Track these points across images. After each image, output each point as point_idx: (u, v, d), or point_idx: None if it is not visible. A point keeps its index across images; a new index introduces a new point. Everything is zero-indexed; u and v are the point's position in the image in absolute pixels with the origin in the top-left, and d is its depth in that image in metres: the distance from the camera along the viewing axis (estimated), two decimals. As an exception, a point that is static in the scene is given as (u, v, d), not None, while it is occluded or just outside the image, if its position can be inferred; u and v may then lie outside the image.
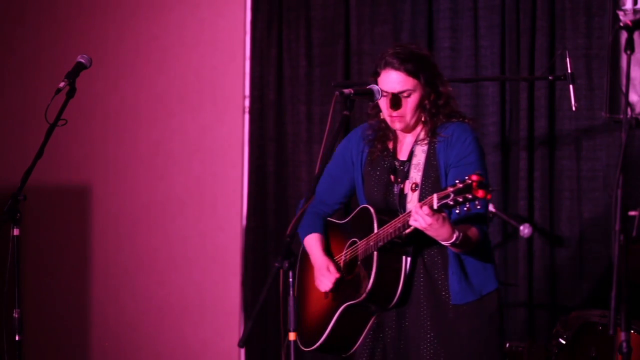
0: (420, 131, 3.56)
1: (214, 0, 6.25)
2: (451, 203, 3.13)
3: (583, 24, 5.18)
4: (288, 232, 3.14)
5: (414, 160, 3.53)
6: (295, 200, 5.87)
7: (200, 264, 6.22)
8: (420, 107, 3.51)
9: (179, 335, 6.26)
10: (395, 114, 3.49)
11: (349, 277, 3.59)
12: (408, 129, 3.57)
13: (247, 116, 6.14)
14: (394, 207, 3.53)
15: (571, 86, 4.65)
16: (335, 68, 5.83)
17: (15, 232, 3.55)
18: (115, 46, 6.39)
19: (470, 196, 3.08)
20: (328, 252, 3.74)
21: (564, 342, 4.32)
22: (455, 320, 3.47)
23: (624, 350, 2.86)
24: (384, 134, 3.62)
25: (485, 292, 3.51)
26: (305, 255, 3.88)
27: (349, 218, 3.68)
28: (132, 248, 6.38)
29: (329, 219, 3.83)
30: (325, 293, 3.68)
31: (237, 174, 6.15)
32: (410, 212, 3.28)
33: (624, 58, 4.89)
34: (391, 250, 3.45)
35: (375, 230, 3.45)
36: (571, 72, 4.65)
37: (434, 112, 3.52)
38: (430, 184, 3.47)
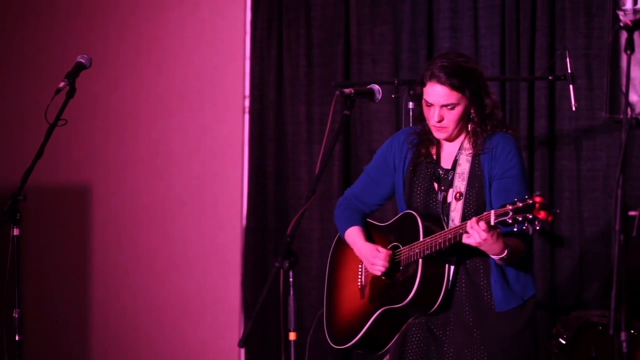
0: (464, 140, 3.58)
1: (214, 1, 6.24)
2: (509, 221, 3.15)
3: (583, 24, 5.18)
4: (288, 232, 3.14)
5: (459, 170, 3.55)
6: (295, 201, 5.87)
7: (200, 264, 6.22)
8: (463, 118, 3.53)
9: (179, 335, 6.26)
10: (438, 125, 3.51)
11: (389, 280, 3.60)
12: (451, 139, 3.59)
13: (247, 116, 6.13)
14: (436, 214, 3.55)
15: (571, 86, 4.65)
16: (335, 68, 5.83)
17: (15, 232, 3.55)
18: (115, 46, 6.39)
19: (530, 216, 3.09)
20: None
21: (564, 342, 4.32)
22: (498, 325, 3.51)
23: (624, 350, 2.86)
24: (429, 140, 3.63)
25: (526, 297, 3.56)
26: (339, 250, 3.88)
27: (390, 222, 3.69)
28: (132, 248, 6.38)
29: (368, 219, 3.82)
30: (361, 293, 3.69)
31: (237, 174, 6.15)
32: (463, 225, 3.30)
33: (624, 58, 4.89)
34: (435, 258, 3.46)
35: (421, 239, 3.46)
36: (571, 72, 4.66)
37: (479, 122, 3.54)
38: (474, 194, 3.50)
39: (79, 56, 3.82)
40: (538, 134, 5.27)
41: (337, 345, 3.77)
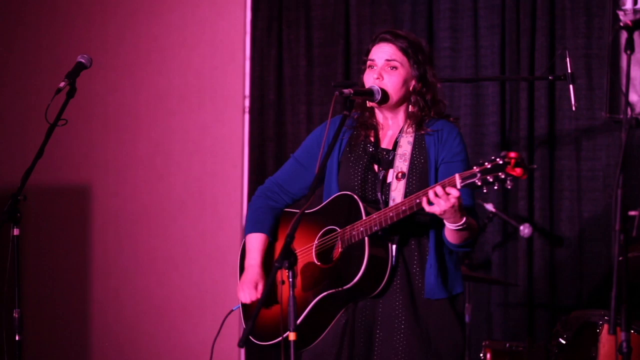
0: (404, 123, 3.55)
1: (214, 1, 6.25)
2: (479, 183, 3.08)
3: (583, 24, 5.19)
4: (288, 232, 3.14)
5: (399, 151, 3.50)
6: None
7: (200, 264, 6.22)
8: (405, 85, 3.50)
9: (179, 335, 6.26)
10: (378, 82, 3.47)
11: (326, 266, 3.50)
12: (392, 107, 3.53)
13: (247, 116, 6.14)
14: (373, 195, 3.50)
15: (571, 86, 4.65)
16: (335, 68, 5.84)
17: (15, 232, 3.55)
18: (115, 46, 6.39)
19: (503, 175, 3.04)
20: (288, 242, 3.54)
21: (564, 342, 4.32)
22: (425, 314, 3.45)
23: (624, 350, 2.86)
24: (368, 123, 3.59)
25: (454, 292, 3.50)
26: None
27: (321, 206, 3.59)
28: (132, 248, 6.38)
29: (286, 209, 3.71)
30: (282, 282, 3.47)
31: (237, 174, 6.15)
32: (420, 194, 3.23)
33: (624, 58, 4.89)
34: (380, 237, 3.40)
35: (364, 217, 3.38)
36: (571, 72, 4.66)
37: (421, 106, 3.51)
38: (417, 174, 3.46)
39: (79, 56, 3.81)
40: (538, 134, 5.28)
41: (261, 342, 3.63)
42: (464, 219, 3.26)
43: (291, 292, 3.07)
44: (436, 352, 3.44)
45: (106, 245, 6.44)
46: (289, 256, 3.06)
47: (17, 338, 3.56)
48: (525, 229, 5.09)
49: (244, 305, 3.75)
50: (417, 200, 3.25)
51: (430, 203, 3.20)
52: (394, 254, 3.44)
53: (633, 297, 2.93)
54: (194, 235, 6.23)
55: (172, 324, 6.28)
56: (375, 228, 3.35)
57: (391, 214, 3.32)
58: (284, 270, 3.10)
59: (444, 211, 3.19)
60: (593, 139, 5.19)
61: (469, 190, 3.27)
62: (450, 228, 3.31)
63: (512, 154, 3.04)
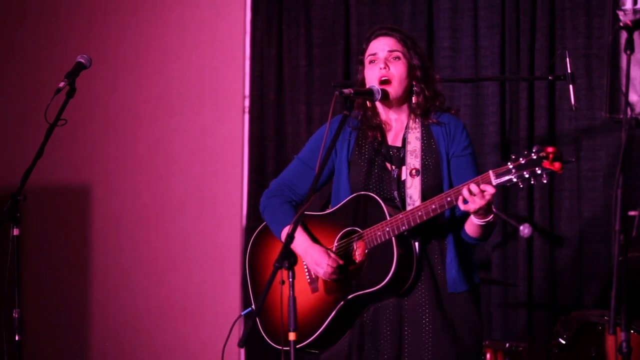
0: (408, 119, 3.54)
1: (214, 1, 6.25)
2: (514, 180, 3.08)
3: (583, 24, 5.19)
4: (288, 232, 3.14)
5: (409, 147, 3.49)
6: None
7: (200, 264, 6.22)
8: (409, 75, 3.49)
9: (179, 335, 6.26)
10: (384, 72, 3.46)
11: (351, 267, 3.49)
12: (396, 101, 3.52)
13: (247, 116, 6.14)
14: (388, 193, 3.49)
15: (571, 86, 4.65)
16: (335, 68, 5.84)
17: (15, 232, 3.55)
18: (115, 46, 6.39)
19: (539, 170, 3.03)
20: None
21: (564, 342, 4.32)
22: (449, 307, 3.46)
23: (624, 350, 2.86)
24: (373, 121, 3.58)
25: (474, 282, 3.53)
26: (265, 246, 3.71)
27: (336, 208, 3.56)
28: (132, 248, 6.38)
29: (306, 212, 3.61)
30: (312, 287, 3.54)
31: (237, 174, 6.15)
32: (451, 192, 3.23)
33: (623, 58, 4.89)
34: (403, 236, 3.39)
35: (387, 217, 3.37)
36: (571, 72, 4.66)
37: (427, 95, 3.50)
38: (431, 169, 3.46)
39: (78, 56, 3.81)
40: (538, 134, 5.28)
41: (275, 344, 3.60)
42: (492, 214, 3.28)
43: (291, 292, 3.06)
44: (462, 344, 3.46)
45: (106, 245, 6.44)
46: (289, 256, 3.06)
47: (17, 338, 3.56)
48: (525, 229, 5.09)
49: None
50: (449, 199, 3.25)
51: (465, 201, 3.19)
52: (417, 251, 3.44)
53: (633, 297, 2.93)
54: (194, 235, 6.23)
55: (172, 324, 6.29)
56: (404, 228, 3.35)
57: (420, 213, 3.32)
58: (284, 270, 3.09)
59: (479, 208, 3.19)
60: (593, 138, 5.19)
61: None
62: (477, 223, 3.32)
63: (550, 149, 3.03)
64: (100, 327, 6.46)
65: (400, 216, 3.35)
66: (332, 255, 3.50)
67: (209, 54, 6.22)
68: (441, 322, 3.45)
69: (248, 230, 6.06)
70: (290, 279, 3.06)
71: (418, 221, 3.32)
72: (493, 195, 3.17)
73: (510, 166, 3.10)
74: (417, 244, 3.44)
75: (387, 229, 3.37)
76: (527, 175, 3.07)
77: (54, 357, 6.50)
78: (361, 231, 3.47)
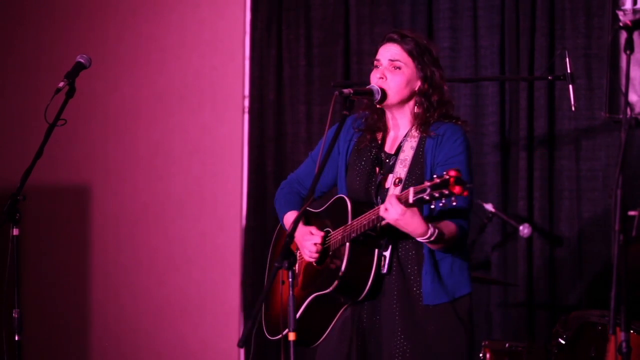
0: (411, 126, 3.55)
1: (214, 1, 6.25)
2: (427, 198, 3.11)
3: (583, 24, 5.19)
4: (288, 231, 3.14)
5: (401, 156, 3.50)
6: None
7: (200, 264, 6.22)
8: (408, 86, 3.49)
9: (179, 335, 6.26)
10: (381, 82, 3.48)
11: (320, 267, 3.53)
12: (396, 109, 3.53)
13: (246, 116, 6.14)
14: (372, 199, 3.51)
15: (571, 86, 4.65)
16: (335, 68, 5.84)
17: (15, 232, 3.55)
18: (115, 46, 6.39)
19: (446, 192, 3.06)
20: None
21: (563, 342, 4.32)
22: (424, 320, 3.44)
23: (624, 350, 2.86)
24: (375, 125, 3.60)
25: (457, 295, 3.48)
26: (280, 239, 3.83)
27: (324, 207, 3.63)
28: (132, 248, 6.38)
29: (310, 209, 3.75)
30: (296, 281, 3.55)
31: (237, 174, 6.16)
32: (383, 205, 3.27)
33: (623, 58, 4.89)
34: (364, 242, 3.41)
35: (350, 222, 3.42)
36: (571, 72, 4.66)
37: (426, 107, 3.50)
38: (414, 181, 3.44)
39: (78, 56, 3.82)
40: (537, 134, 5.28)
41: (271, 336, 3.72)
42: (429, 232, 3.27)
43: (291, 292, 3.07)
44: (435, 357, 3.44)
45: (106, 245, 6.44)
46: (288, 256, 3.06)
47: (17, 338, 3.56)
48: (524, 229, 5.09)
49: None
50: (374, 217, 3.29)
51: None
52: (387, 260, 3.44)
53: (633, 297, 2.93)
54: (194, 235, 6.23)
55: (172, 324, 6.29)
56: (353, 235, 3.39)
57: (364, 222, 3.36)
58: (284, 270, 3.12)
59: (396, 220, 3.22)
60: (593, 139, 5.19)
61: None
62: (419, 240, 3.34)
63: (452, 172, 3.07)
64: (100, 327, 6.46)
65: (354, 222, 3.39)
66: (316, 233, 3.53)
67: (209, 54, 6.22)
68: (413, 334, 3.43)
69: (248, 230, 6.07)
70: (290, 279, 3.07)
71: (362, 230, 3.35)
72: (398, 209, 3.18)
73: (427, 184, 3.12)
74: (387, 253, 3.44)
75: (345, 233, 3.42)
76: (437, 195, 3.09)
77: (54, 357, 6.50)
78: (332, 232, 3.52)
